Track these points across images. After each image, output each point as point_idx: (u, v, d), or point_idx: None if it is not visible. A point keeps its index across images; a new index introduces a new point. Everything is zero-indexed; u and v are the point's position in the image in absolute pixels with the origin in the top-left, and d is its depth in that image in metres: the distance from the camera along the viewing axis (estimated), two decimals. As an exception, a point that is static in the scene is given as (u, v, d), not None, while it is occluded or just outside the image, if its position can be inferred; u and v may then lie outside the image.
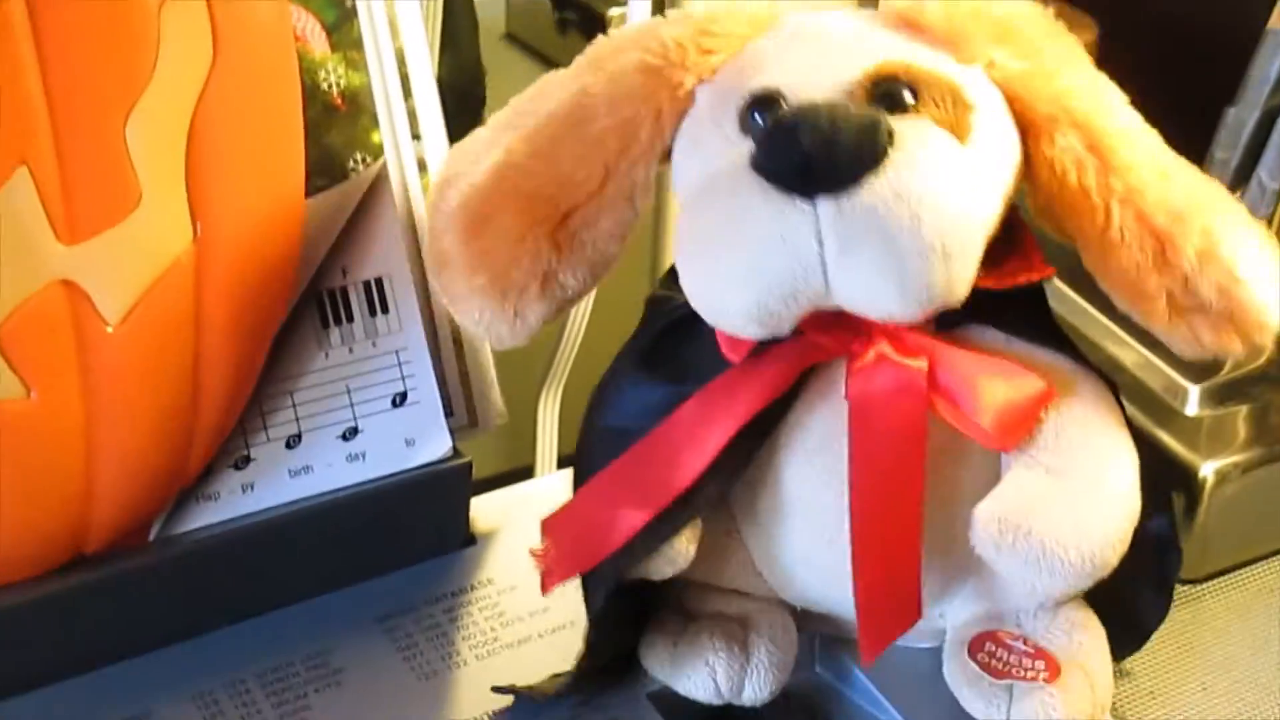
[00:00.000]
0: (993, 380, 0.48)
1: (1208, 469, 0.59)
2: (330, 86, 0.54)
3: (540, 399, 0.69)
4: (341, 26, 0.55)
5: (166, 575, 0.53)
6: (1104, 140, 0.48)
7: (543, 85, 0.52)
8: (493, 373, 0.59)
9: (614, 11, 0.86)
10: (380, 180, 0.55)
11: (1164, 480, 0.53)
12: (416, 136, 0.58)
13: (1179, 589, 0.56)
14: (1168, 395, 0.62)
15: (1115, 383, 0.49)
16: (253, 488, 0.55)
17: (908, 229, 0.43)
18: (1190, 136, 0.87)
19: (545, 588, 0.49)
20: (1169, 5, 1.04)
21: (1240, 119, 0.79)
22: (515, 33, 0.94)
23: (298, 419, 0.55)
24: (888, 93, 0.46)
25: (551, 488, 0.61)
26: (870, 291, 0.45)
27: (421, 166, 0.57)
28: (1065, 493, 0.47)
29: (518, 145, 0.49)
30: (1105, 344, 0.62)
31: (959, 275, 0.44)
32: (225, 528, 0.54)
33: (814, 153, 0.44)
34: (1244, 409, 0.62)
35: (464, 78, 0.80)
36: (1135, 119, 0.49)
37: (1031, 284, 0.50)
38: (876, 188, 0.43)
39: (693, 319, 0.49)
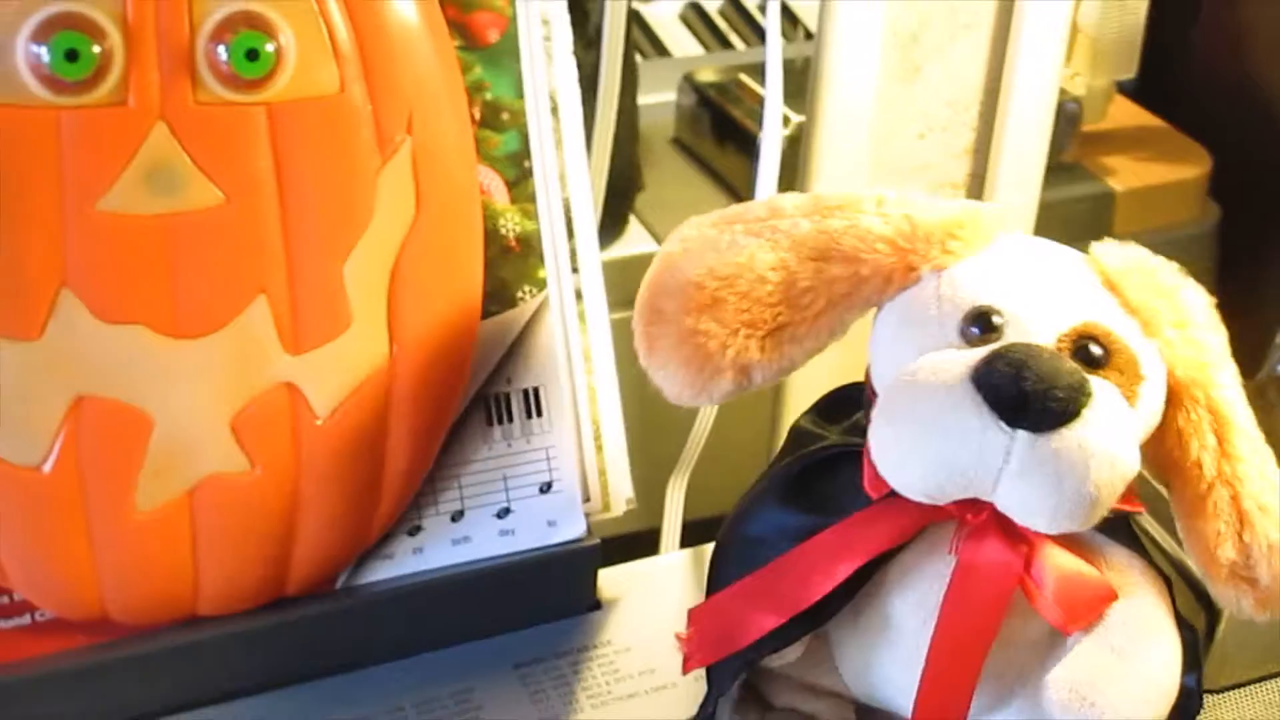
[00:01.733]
0: (1073, 579, 0.54)
1: None
2: (507, 232, 0.63)
3: (668, 485, 0.77)
4: (519, 183, 0.63)
5: (347, 618, 0.63)
6: (1228, 431, 0.55)
7: (775, 204, 0.57)
8: (625, 467, 0.68)
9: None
10: (542, 308, 0.64)
11: (1201, 645, 0.58)
12: (575, 270, 0.66)
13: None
14: None
15: (1170, 580, 0.57)
16: (422, 551, 0.64)
17: (1078, 475, 0.50)
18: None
19: (686, 669, 0.57)
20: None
21: None
22: (681, 139, 1.05)
23: (462, 498, 0.64)
24: (1086, 348, 0.53)
25: (669, 565, 0.72)
26: (1026, 509, 0.51)
27: (578, 295, 0.66)
28: (1126, 673, 0.53)
29: (762, 255, 0.55)
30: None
31: (1098, 515, 0.51)
32: (397, 583, 0.64)
33: (1032, 395, 0.50)
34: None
35: (621, 176, 0.88)
36: (1251, 420, 0.56)
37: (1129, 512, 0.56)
38: (1067, 436, 0.50)
39: (836, 460, 0.57)
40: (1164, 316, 0.55)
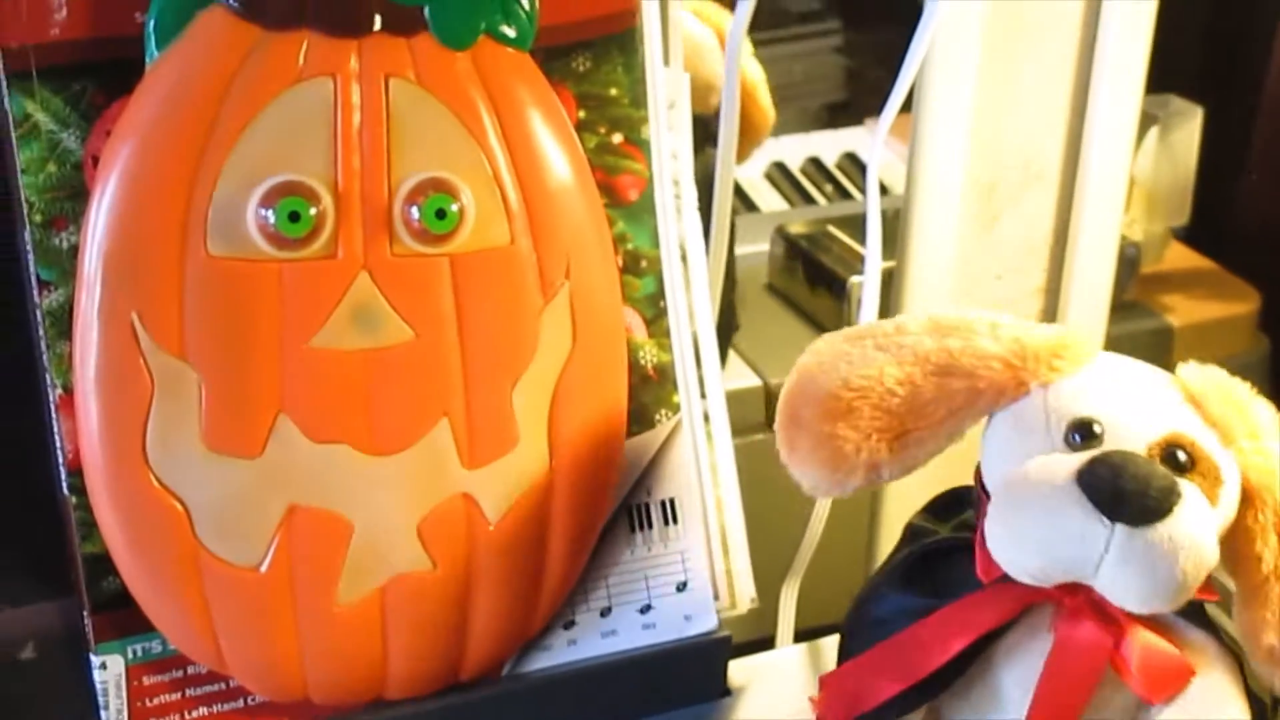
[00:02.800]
0: (1157, 656, 0.61)
1: None
2: (646, 362, 0.71)
3: (783, 588, 0.84)
4: (656, 320, 0.72)
5: (512, 702, 0.71)
6: None
7: (900, 324, 0.64)
8: (749, 569, 0.75)
9: (854, 279, 1.05)
10: (676, 429, 0.72)
11: (1265, 715, 0.65)
12: (703, 396, 0.74)
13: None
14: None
15: (1242, 659, 0.63)
16: (575, 643, 0.72)
17: (1169, 565, 0.57)
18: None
19: None
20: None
21: None
22: (775, 285, 1.14)
23: (609, 595, 0.72)
24: (1174, 454, 0.60)
25: (788, 658, 0.79)
26: (1123, 594, 0.58)
27: (706, 418, 0.74)
28: None
29: (890, 369, 0.62)
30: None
31: (1184, 599, 0.58)
32: (554, 671, 0.71)
33: (1129, 494, 0.57)
34: None
35: (722, 317, 0.95)
36: None
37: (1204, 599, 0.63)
38: (1160, 531, 0.57)
39: (948, 550, 0.64)
40: (1239, 429, 0.62)
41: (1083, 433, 0.61)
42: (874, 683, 0.63)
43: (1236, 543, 0.63)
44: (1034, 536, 0.59)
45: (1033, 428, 0.62)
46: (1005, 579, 0.62)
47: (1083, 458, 0.59)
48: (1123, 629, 0.61)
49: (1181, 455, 0.60)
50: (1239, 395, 0.63)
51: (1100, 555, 0.58)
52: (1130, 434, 0.61)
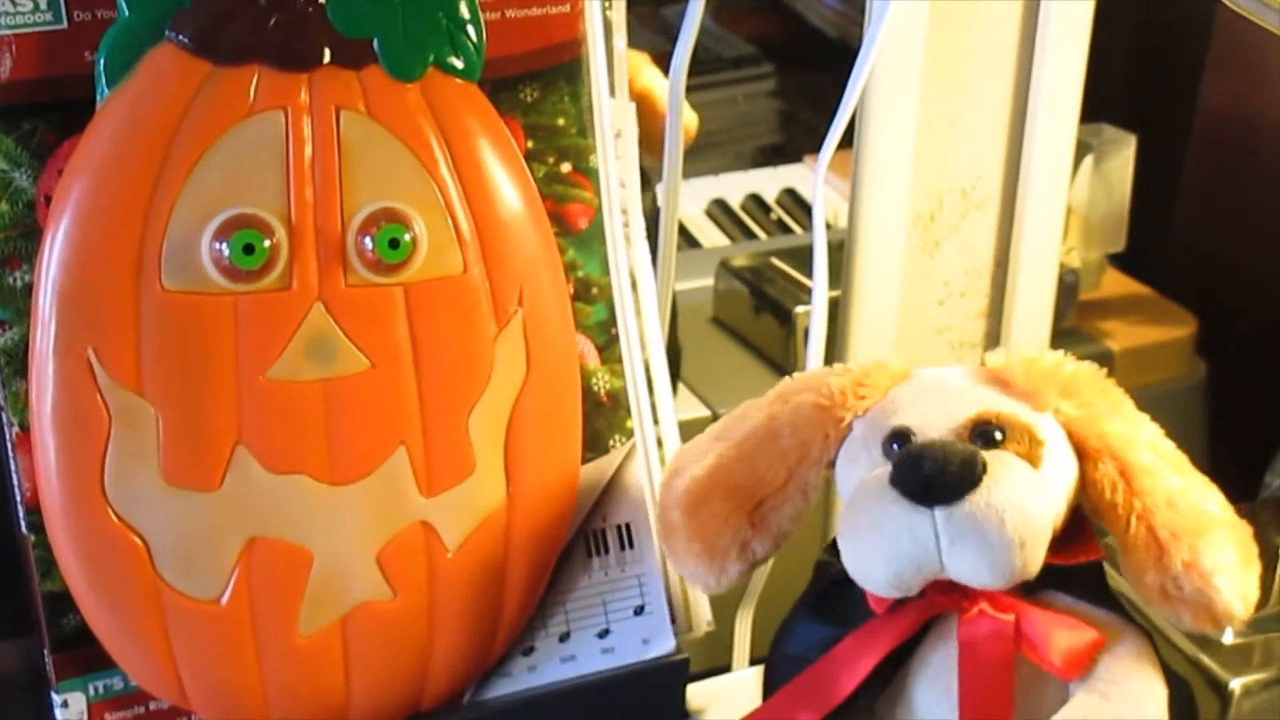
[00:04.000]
0: (1060, 631, 0.62)
1: (1235, 684, 0.76)
2: (599, 388, 0.72)
3: (738, 613, 0.85)
4: (609, 347, 0.72)
5: (474, 729, 0.72)
6: (1130, 470, 0.63)
7: (746, 409, 0.68)
8: (705, 595, 0.76)
9: (799, 309, 1.07)
10: (630, 453, 0.73)
11: (1197, 703, 0.67)
12: (656, 421, 0.75)
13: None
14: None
15: (1152, 634, 0.64)
16: (535, 669, 0.72)
17: (996, 528, 0.58)
18: (1274, 414, 1.04)
19: None
20: (1266, 294, 1.21)
21: None
22: (720, 317, 1.14)
23: (568, 621, 0.73)
24: (984, 432, 0.62)
25: (744, 680, 0.80)
26: (972, 570, 0.60)
27: (659, 443, 0.75)
28: (1113, 711, 0.61)
29: (728, 451, 0.66)
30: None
31: (1032, 558, 0.59)
32: (515, 697, 0.71)
33: (932, 477, 0.59)
34: (1269, 638, 0.78)
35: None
36: (1162, 452, 0.64)
37: (1091, 561, 0.64)
38: (975, 500, 0.59)
39: (849, 580, 0.63)
40: (1049, 392, 0.64)
41: (898, 441, 0.63)
42: (791, 716, 0.65)
43: (1091, 498, 0.64)
44: (874, 547, 0.61)
45: (858, 456, 0.65)
46: (899, 602, 0.64)
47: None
48: (1020, 613, 0.62)
49: (993, 432, 0.62)
50: (1046, 362, 0.66)
51: (935, 543, 0.60)
52: (937, 427, 0.63)
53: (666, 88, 0.82)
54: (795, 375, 0.69)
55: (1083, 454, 0.64)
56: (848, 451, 0.66)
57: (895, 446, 0.63)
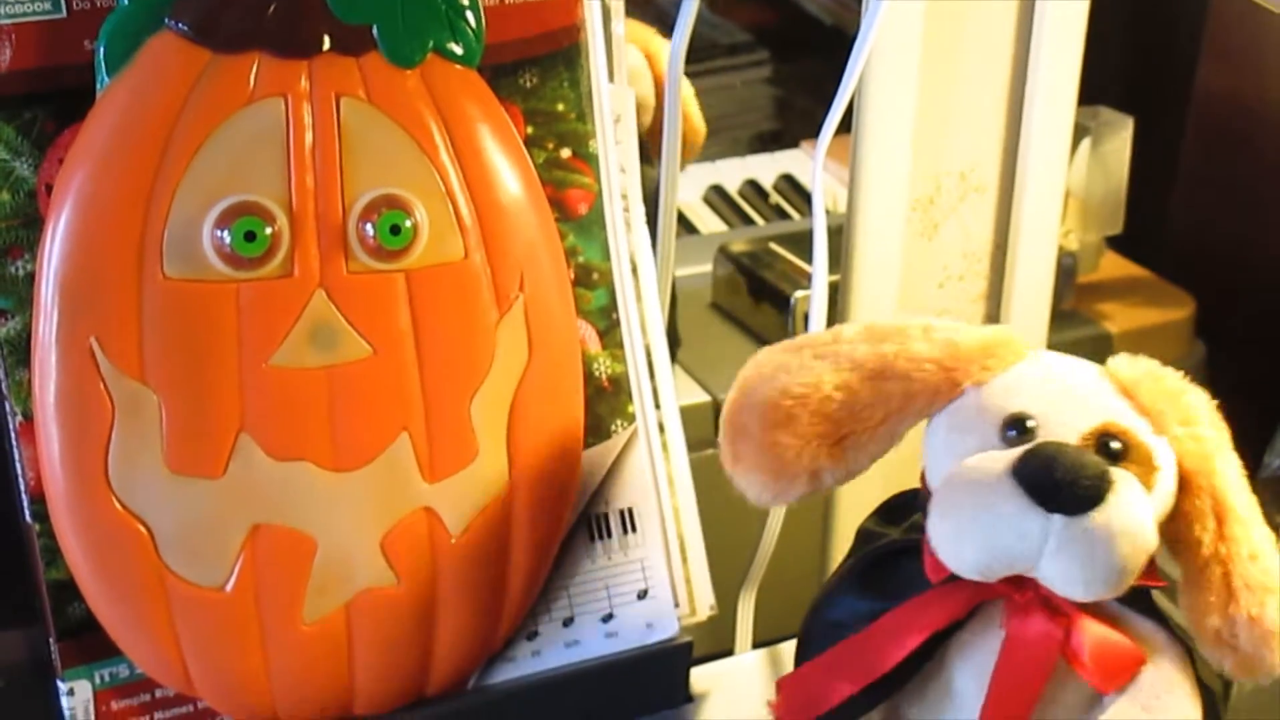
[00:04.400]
0: (1107, 645, 0.62)
1: None
2: (600, 374, 0.72)
3: (740, 597, 0.85)
4: (610, 332, 0.73)
5: (478, 714, 0.72)
6: (1225, 514, 0.63)
7: (837, 333, 0.66)
8: (707, 577, 0.76)
9: (798, 294, 1.06)
10: (632, 439, 0.73)
11: (1222, 713, 0.66)
12: (658, 406, 0.75)
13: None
14: None
15: (1192, 647, 0.64)
16: (539, 654, 0.72)
17: (1107, 551, 0.58)
18: (1273, 394, 1.05)
19: None
20: (1264, 276, 1.22)
21: None
22: (719, 303, 1.14)
23: (571, 606, 0.73)
24: (1107, 444, 0.61)
25: (747, 664, 0.80)
26: (1065, 582, 0.59)
27: (660, 428, 0.75)
28: None
29: (828, 376, 0.64)
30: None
31: (1127, 584, 0.59)
32: (520, 681, 0.72)
33: (1063, 484, 0.58)
34: None
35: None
36: (1251, 504, 0.64)
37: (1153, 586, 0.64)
38: (1096, 518, 0.58)
39: (899, 553, 0.65)
40: (1171, 416, 0.63)
41: (1017, 428, 0.62)
42: (830, 684, 0.64)
43: (1177, 528, 0.64)
44: (974, 532, 0.60)
45: (969, 427, 0.63)
46: (954, 578, 0.63)
47: (1017, 452, 0.60)
48: (1072, 620, 0.63)
49: (1115, 444, 0.61)
50: (1170, 383, 0.65)
51: (1040, 546, 0.59)
52: (1063, 426, 0.62)
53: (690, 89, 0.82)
54: (906, 320, 0.67)
55: (1182, 483, 0.64)
56: (956, 417, 0.64)
57: (1013, 433, 0.62)
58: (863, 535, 0.70)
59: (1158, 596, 0.67)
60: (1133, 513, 0.59)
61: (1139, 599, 0.64)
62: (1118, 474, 0.60)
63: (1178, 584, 0.65)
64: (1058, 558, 0.59)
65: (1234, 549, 0.63)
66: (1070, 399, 0.63)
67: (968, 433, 0.63)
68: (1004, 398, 0.63)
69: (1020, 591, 0.63)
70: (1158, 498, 0.62)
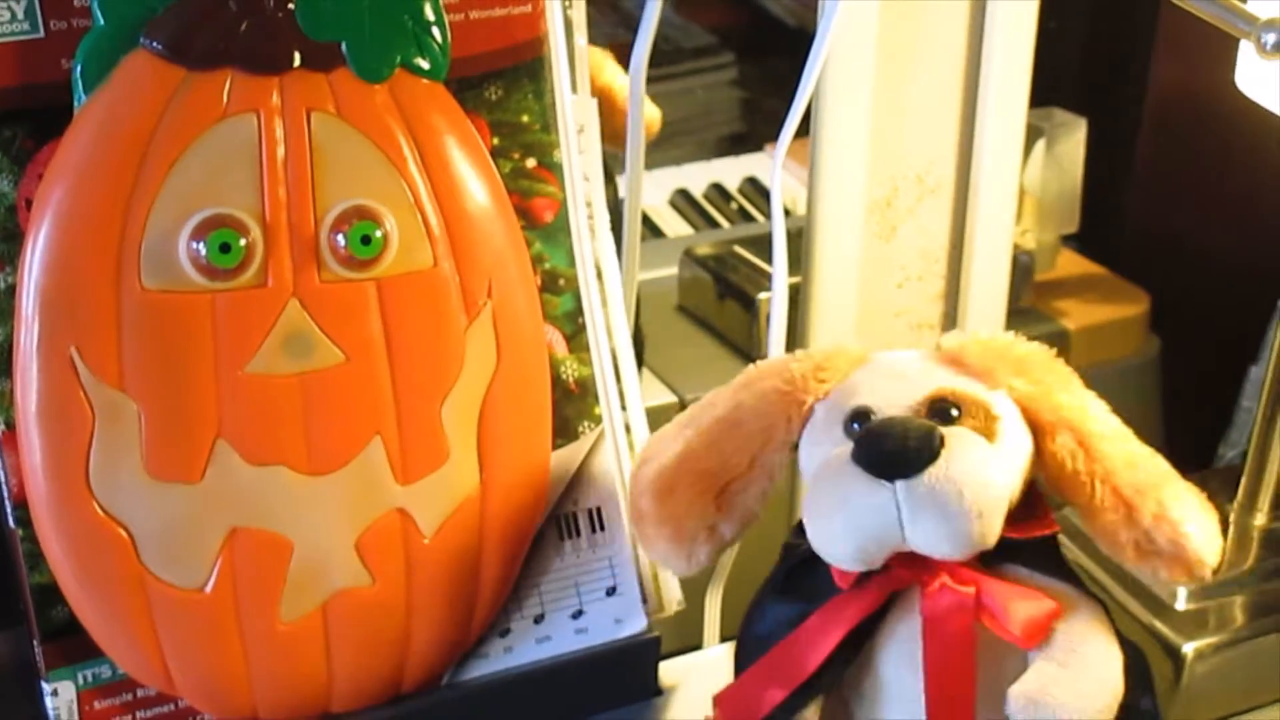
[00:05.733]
0: (1019, 601, 0.64)
1: (1188, 648, 0.79)
2: (568, 377, 0.74)
3: (707, 593, 0.86)
4: (576, 336, 0.74)
5: (453, 710, 0.73)
6: (1088, 439, 0.65)
7: (712, 398, 0.69)
8: (675, 575, 0.78)
9: (762, 296, 1.08)
10: (599, 440, 0.75)
11: (1151, 667, 0.68)
12: (624, 408, 0.77)
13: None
14: (1163, 594, 0.81)
15: (1105, 604, 0.66)
16: (511, 650, 0.74)
17: (954, 500, 0.60)
18: (1226, 388, 1.07)
19: None
20: (1218, 271, 1.24)
21: (1260, 375, 0.98)
22: (685, 305, 1.16)
23: (542, 603, 0.75)
24: (940, 409, 0.64)
25: (714, 657, 0.82)
26: (932, 541, 0.61)
27: (627, 429, 0.77)
28: (1070, 678, 0.62)
29: (695, 438, 0.68)
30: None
31: (990, 529, 0.61)
32: (493, 677, 0.74)
33: (893, 451, 0.61)
34: (1220, 603, 0.81)
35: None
36: (1112, 422, 0.66)
37: (1046, 535, 0.66)
38: (934, 473, 0.61)
39: (814, 559, 0.65)
40: (1002, 371, 0.66)
41: (859, 421, 0.65)
42: (761, 693, 0.66)
43: (1050, 470, 0.66)
44: (838, 523, 0.63)
45: (820, 438, 0.67)
46: (865, 576, 0.65)
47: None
48: (979, 585, 0.64)
49: (949, 409, 0.64)
50: (997, 343, 0.68)
51: (896, 516, 0.61)
52: (896, 406, 0.65)
53: (627, 84, 0.84)
54: (759, 363, 0.70)
55: (1037, 429, 0.66)
56: (810, 434, 0.67)
57: (856, 426, 0.65)
58: (784, 548, 0.72)
59: (1069, 557, 0.69)
60: (971, 462, 0.62)
61: (1047, 561, 0.66)
62: (948, 430, 0.63)
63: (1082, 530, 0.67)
64: (915, 522, 0.61)
65: (1109, 464, 0.65)
66: (900, 382, 0.67)
67: (823, 442, 0.67)
68: (844, 400, 0.67)
69: (929, 574, 0.65)
70: (1009, 445, 0.64)
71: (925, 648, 0.65)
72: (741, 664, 0.70)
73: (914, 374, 0.67)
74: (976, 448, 0.63)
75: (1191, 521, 0.64)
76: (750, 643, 0.70)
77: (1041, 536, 0.66)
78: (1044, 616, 0.64)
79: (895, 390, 0.66)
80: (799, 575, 0.69)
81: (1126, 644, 0.66)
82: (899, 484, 0.61)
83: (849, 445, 0.63)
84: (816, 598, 0.67)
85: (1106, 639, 0.64)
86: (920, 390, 0.66)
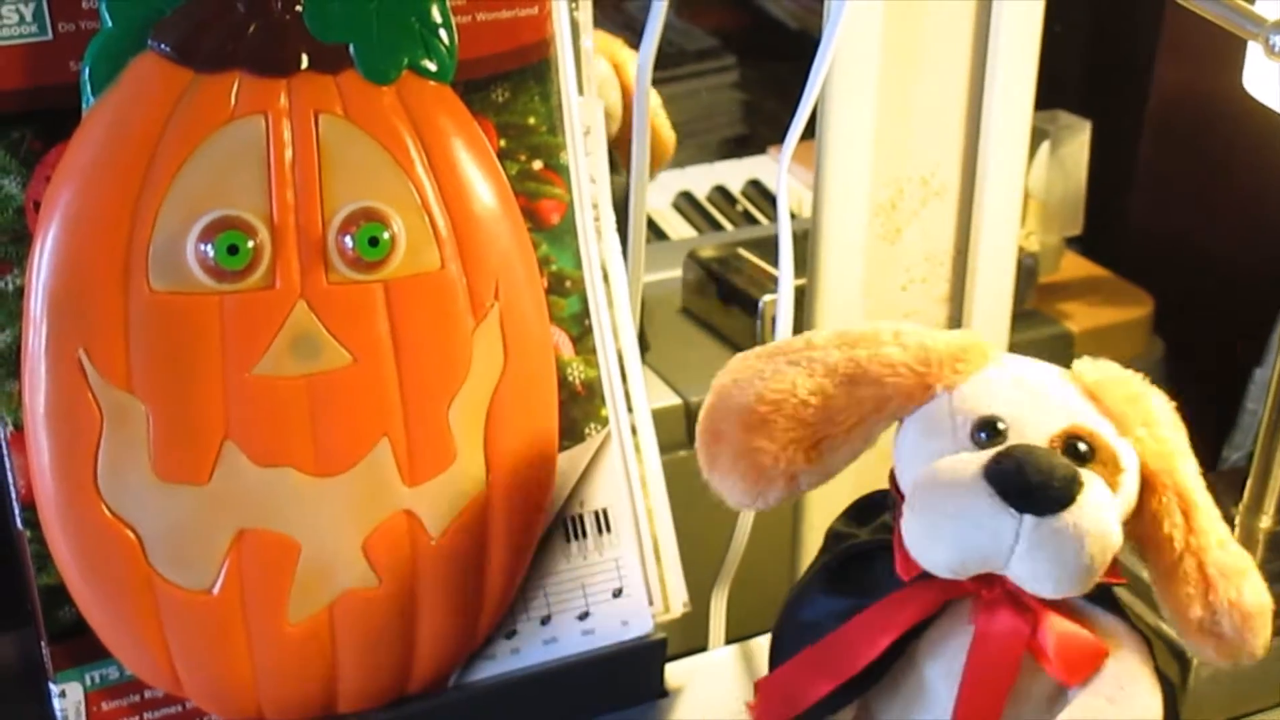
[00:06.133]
0: (1072, 641, 0.64)
1: None
2: (574, 378, 0.74)
3: (712, 595, 0.87)
4: (583, 339, 0.75)
5: (459, 711, 0.73)
6: (1191, 509, 0.65)
7: (809, 339, 0.67)
8: (680, 575, 0.78)
9: (766, 298, 1.08)
10: (606, 442, 0.75)
11: (1178, 702, 0.68)
12: (630, 410, 0.77)
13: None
14: None
15: (1150, 640, 0.66)
16: (518, 651, 0.74)
17: (1075, 550, 0.60)
18: (1230, 390, 1.07)
19: None
20: (1221, 274, 1.24)
21: (1265, 378, 0.98)
22: (689, 308, 1.16)
23: (549, 604, 0.75)
24: (1074, 446, 0.63)
25: (721, 660, 0.82)
26: (1035, 579, 0.61)
27: (633, 431, 0.77)
28: (1117, 715, 0.63)
29: (802, 381, 0.65)
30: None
31: (1093, 582, 0.61)
32: (500, 678, 0.74)
33: (1035, 486, 0.60)
34: None
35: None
36: (1209, 499, 0.66)
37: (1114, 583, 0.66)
38: (1065, 518, 0.60)
39: (869, 551, 0.66)
40: (1134, 418, 0.66)
41: (988, 430, 0.64)
42: (806, 684, 0.66)
43: (1145, 527, 0.66)
44: (947, 532, 0.61)
45: (940, 429, 0.65)
46: (924, 576, 0.65)
47: (989, 454, 0.62)
48: (1038, 616, 0.64)
49: (1082, 446, 0.63)
50: (1133, 387, 0.67)
51: (1011, 545, 0.60)
52: (1032, 428, 0.63)
53: (658, 99, 0.84)
54: (881, 325, 0.68)
55: (1147, 484, 0.65)
56: (927, 421, 0.66)
57: (984, 435, 0.64)
58: (832, 536, 0.72)
59: (1118, 591, 0.69)
60: (1100, 513, 0.61)
61: (1100, 594, 0.66)
62: (1086, 475, 0.61)
63: (1148, 581, 0.67)
64: (1028, 557, 0.60)
65: (1204, 540, 0.65)
66: (1039, 402, 0.65)
67: (939, 436, 0.65)
68: (975, 401, 0.65)
69: (989, 589, 0.65)
70: (1123, 498, 0.64)
71: (969, 661, 0.64)
72: (781, 649, 0.70)
73: (1052, 398, 0.65)
74: (1106, 500, 0.62)
75: (1260, 616, 0.65)
76: (794, 629, 0.69)
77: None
78: (1090, 656, 0.64)
79: (1032, 411, 0.64)
80: (854, 568, 0.69)
81: (1164, 681, 0.66)
82: (1029, 518, 0.60)
83: (978, 455, 0.62)
84: (869, 593, 0.66)
85: (1152, 680, 0.65)
86: (1059, 420, 0.64)
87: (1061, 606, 0.65)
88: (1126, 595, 0.81)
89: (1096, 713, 0.63)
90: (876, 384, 0.66)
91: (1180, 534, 0.65)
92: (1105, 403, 0.66)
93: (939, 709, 0.66)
